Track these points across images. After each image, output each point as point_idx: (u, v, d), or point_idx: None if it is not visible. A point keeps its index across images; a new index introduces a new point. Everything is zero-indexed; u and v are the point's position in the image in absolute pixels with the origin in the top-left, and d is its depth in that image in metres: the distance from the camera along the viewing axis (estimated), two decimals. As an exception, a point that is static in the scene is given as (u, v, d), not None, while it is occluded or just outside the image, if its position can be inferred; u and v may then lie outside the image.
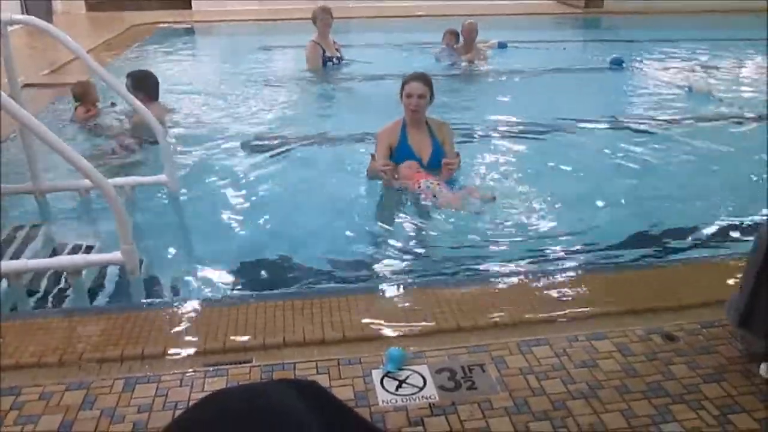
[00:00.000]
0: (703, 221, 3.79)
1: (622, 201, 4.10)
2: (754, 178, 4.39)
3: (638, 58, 8.42)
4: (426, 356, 2.34)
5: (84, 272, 3.11)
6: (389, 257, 3.37)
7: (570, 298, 2.76)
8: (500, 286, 2.89)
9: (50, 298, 3.06)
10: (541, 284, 2.89)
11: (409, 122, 4.15)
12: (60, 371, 2.34)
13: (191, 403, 1.30)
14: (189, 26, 11.74)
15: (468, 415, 2.04)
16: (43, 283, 3.16)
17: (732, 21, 11.25)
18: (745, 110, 6.12)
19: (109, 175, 4.08)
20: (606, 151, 5.00)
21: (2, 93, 2.71)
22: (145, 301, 2.99)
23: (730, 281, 2.78)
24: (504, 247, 3.45)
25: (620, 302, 2.73)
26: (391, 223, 3.76)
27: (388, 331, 2.53)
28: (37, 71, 7.23)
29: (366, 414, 2.04)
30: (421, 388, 2.17)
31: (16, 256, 3.28)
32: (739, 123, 5.77)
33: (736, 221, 3.80)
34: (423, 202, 3.85)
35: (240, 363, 2.35)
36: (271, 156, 4.90)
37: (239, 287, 3.13)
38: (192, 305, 2.75)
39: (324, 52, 7.50)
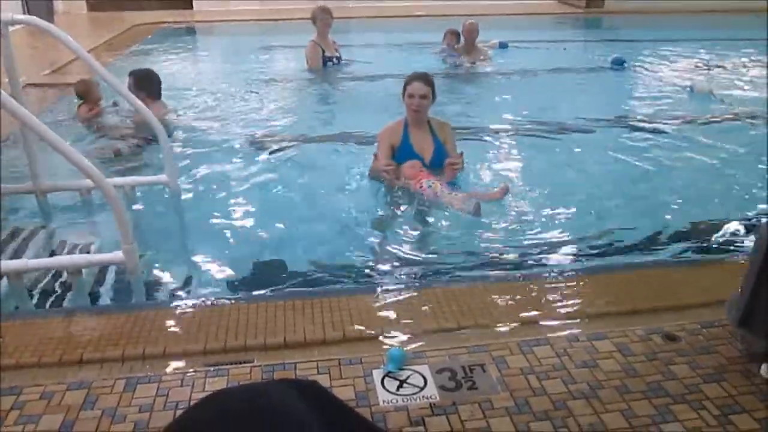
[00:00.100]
0: (704, 221, 3.79)
1: (622, 201, 4.10)
2: (755, 178, 4.39)
3: (639, 58, 8.41)
4: (427, 356, 2.34)
5: (84, 272, 3.11)
6: (390, 257, 3.37)
7: (570, 298, 2.76)
8: (501, 285, 2.89)
9: (51, 298, 3.06)
10: (541, 284, 2.89)
11: (411, 122, 4.15)
12: (60, 371, 2.34)
13: (192, 403, 1.30)
14: (190, 26, 11.75)
15: (469, 415, 2.05)
16: (44, 283, 3.16)
17: (732, 21, 11.24)
18: (745, 110, 6.12)
19: (112, 174, 4.10)
20: (606, 151, 5.00)
21: (3, 92, 2.71)
22: (145, 300, 2.99)
23: (730, 281, 2.77)
24: (504, 247, 3.45)
25: (621, 302, 2.73)
26: (393, 223, 3.76)
27: (388, 331, 2.53)
28: (38, 71, 7.24)
29: (367, 414, 2.04)
30: (422, 388, 2.17)
31: (16, 255, 3.28)
32: (740, 123, 5.77)
33: (736, 221, 3.79)
34: (425, 202, 3.85)
35: (241, 363, 2.35)
36: (272, 156, 4.91)
37: (240, 287, 3.12)
38: (193, 305, 2.75)
39: (324, 52, 7.50)
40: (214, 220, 3.84)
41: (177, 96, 6.31)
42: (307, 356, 2.38)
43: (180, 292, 3.09)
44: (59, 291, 3.10)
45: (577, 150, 5.04)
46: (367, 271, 3.27)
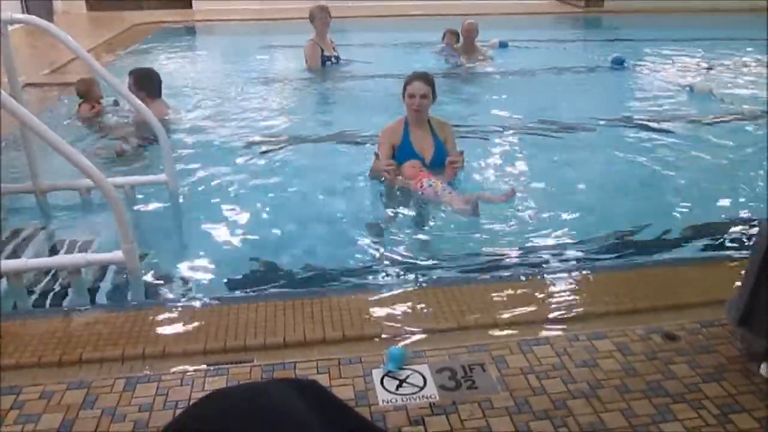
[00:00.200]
0: (704, 221, 3.79)
1: (621, 200, 4.10)
2: (755, 178, 4.39)
3: (639, 58, 8.41)
4: (426, 356, 2.34)
5: (84, 271, 3.11)
6: (390, 256, 3.37)
7: (570, 298, 2.76)
8: (501, 285, 2.89)
9: (50, 298, 3.06)
10: (541, 283, 2.89)
11: (412, 122, 4.15)
12: (60, 370, 2.34)
13: (192, 402, 1.30)
14: (189, 26, 11.75)
15: (468, 415, 2.04)
16: (44, 283, 3.16)
17: (732, 21, 11.24)
18: (745, 110, 6.12)
19: (113, 174, 4.10)
20: (606, 150, 5.00)
21: (3, 92, 2.71)
22: (145, 300, 2.99)
23: (730, 281, 2.77)
24: (504, 247, 3.45)
25: (620, 302, 2.73)
26: (393, 223, 3.76)
27: (388, 331, 2.53)
28: (37, 71, 7.24)
29: (366, 413, 2.04)
30: (422, 388, 2.17)
31: (16, 255, 3.28)
32: (740, 123, 5.77)
33: (736, 221, 3.80)
34: (425, 202, 3.84)
35: (240, 362, 2.35)
36: (272, 155, 4.90)
37: (240, 287, 3.12)
38: (192, 304, 2.75)
39: (323, 51, 7.50)
40: (214, 220, 3.83)
41: (176, 96, 6.30)
42: (306, 356, 2.38)
43: (180, 292, 3.09)
44: (59, 290, 3.10)
45: (577, 149, 5.04)
46: (366, 270, 3.27)
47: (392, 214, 3.85)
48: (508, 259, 3.33)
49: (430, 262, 3.32)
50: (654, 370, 2.25)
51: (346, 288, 3.04)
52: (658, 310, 2.67)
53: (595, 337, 2.44)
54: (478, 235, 3.56)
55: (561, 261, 3.32)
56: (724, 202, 4.02)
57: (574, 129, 5.49)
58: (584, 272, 3.03)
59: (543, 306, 2.70)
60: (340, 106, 6.56)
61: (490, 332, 2.53)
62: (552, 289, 2.83)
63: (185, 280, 3.20)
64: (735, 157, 4.83)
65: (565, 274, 2.99)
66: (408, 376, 2.22)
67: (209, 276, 3.23)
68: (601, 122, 5.70)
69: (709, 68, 7.98)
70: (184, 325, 2.59)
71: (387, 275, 3.20)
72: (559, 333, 2.50)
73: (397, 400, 2.11)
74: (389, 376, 2.22)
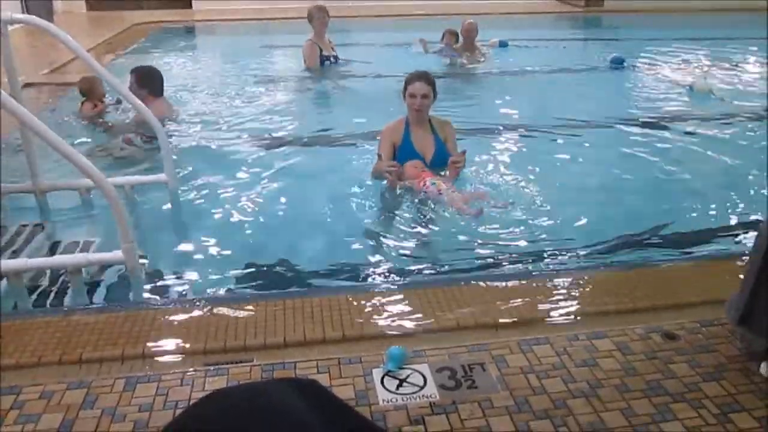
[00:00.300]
0: (703, 220, 3.79)
1: (622, 200, 4.10)
2: (755, 178, 4.39)
3: (639, 57, 8.41)
4: (426, 355, 2.34)
5: (84, 271, 3.10)
6: (391, 256, 3.37)
7: (570, 297, 2.76)
8: (501, 284, 2.88)
9: (50, 297, 3.06)
10: (541, 283, 2.89)
11: (413, 121, 4.16)
12: (60, 370, 2.34)
13: (192, 402, 1.30)
14: (189, 26, 11.75)
15: (468, 414, 2.05)
16: (44, 282, 3.16)
17: (732, 20, 11.23)
18: (745, 109, 6.12)
19: (115, 173, 4.10)
20: (606, 150, 5.00)
21: (3, 92, 2.71)
22: (145, 300, 2.99)
23: (730, 281, 2.77)
24: (505, 246, 3.45)
25: (620, 301, 2.73)
26: (393, 222, 3.76)
27: (388, 330, 2.54)
28: (37, 70, 7.23)
29: (366, 413, 2.04)
30: (422, 387, 2.17)
31: (16, 254, 3.28)
32: (740, 122, 5.77)
33: (736, 220, 3.80)
34: (426, 202, 3.84)
35: (240, 362, 2.35)
36: (271, 155, 4.90)
37: (240, 286, 3.12)
38: (192, 304, 2.75)
39: (321, 51, 7.50)
40: (214, 220, 3.84)
41: (176, 95, 6.30)
42: (306, 355, 2.38)
43: (180, 292, 3.09)
44: (59, 290, 3.10)
45: (577, 149, 5.04)
46: (367, 270, 3.27)
47: (393, 214, 3.85)
48: (508, 259, 3.33)
49: (430, 262, 3.33)
50: (654, 369, 2.25)
51: (346, 287, 3.04)
52: (657, 310, 2.67)
53: (594, 337, 2.44)
54: (478, 235, 3.56)
55: (561, 261, 3.33)
56: (724, 202, 4.01)
57: (574, 129, 5.49)
58: (584, 271, 3.04)
59: (543, 305, 2.69)
60: (338, 105, 6.56)
61: (490, 332, 2.53)
62: (552, 288, 2.83)
63: (185, 280, 3.20)
64: (735, 157, 4.83)
65: (564, 274, 2.99)
66: (408, 376, 2.22)
67: (209, 276, 3.23)
68: (600, 122, 5.70)
69: (709, 68, 7.98)
70: (183, 324, 2.59)
71: (387, 275, 3.20)
72: (559, 332, 2.50)
73: (397, 400, 2.12)
74: (389, 376, 2.22)
